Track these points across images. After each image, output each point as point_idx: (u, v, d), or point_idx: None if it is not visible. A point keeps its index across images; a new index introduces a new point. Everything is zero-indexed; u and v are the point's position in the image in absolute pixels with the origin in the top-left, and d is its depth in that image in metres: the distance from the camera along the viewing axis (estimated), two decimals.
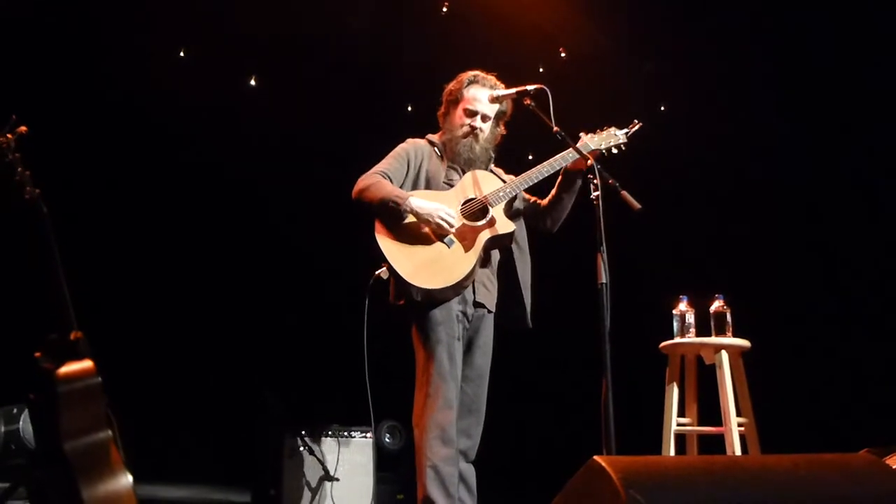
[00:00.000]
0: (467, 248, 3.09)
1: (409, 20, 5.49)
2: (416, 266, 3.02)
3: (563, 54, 5.85)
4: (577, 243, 3.20)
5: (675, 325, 3.76)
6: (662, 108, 5.94)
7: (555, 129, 3.00)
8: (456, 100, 3.25)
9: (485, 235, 3.12)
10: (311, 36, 5.35)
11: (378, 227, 3.08)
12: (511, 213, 3.26)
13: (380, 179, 3.11)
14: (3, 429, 3.83)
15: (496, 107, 3.25)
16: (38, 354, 2.36)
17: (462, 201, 3.15)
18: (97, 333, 2.52)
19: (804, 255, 5.36)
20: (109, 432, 2.33)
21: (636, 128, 3.25)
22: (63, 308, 2.42)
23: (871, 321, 5.07)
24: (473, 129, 3.22)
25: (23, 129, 2.60)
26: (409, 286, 3.00)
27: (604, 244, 2.73)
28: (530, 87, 3.07)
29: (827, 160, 5.28)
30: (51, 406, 2.26)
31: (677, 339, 3.74)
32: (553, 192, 3.31)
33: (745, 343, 3.69)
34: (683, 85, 5.58)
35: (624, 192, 2.82)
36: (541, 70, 5.65)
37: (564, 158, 3.17)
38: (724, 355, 3.62)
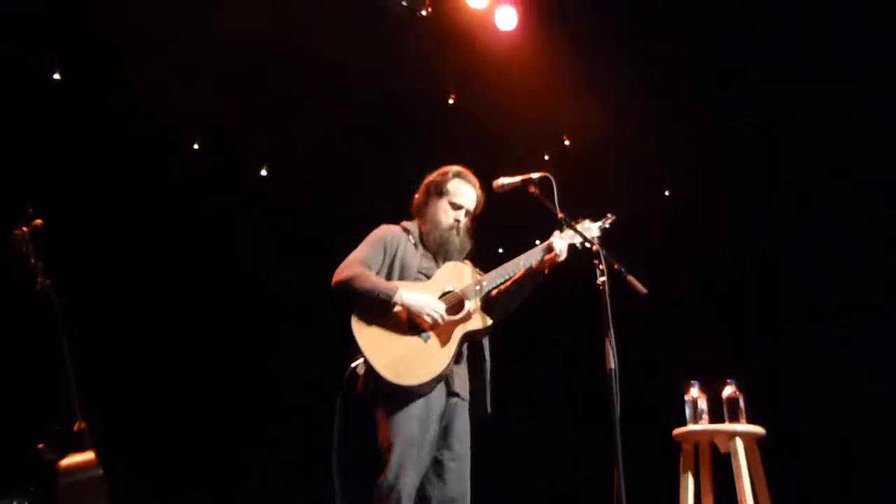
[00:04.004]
0: (443, 343, 3.05)
1: (416, 110, 5.63)
2: (393, 360, 2.96)
3: (566, 142, 5.97)
4: (584, 329, 3.17)
5: (688, 411, 3.71)
6: (667, 193, 6.01)
7: (559, 215, 3.02)
8: (440, 192, 3.25)
9: (461, 330, 3.09)
10: (317, 114, 5.50)
11: (356, 318, 3.01)
12: (486, 307, 3.19)
13: (364, 270, 3.07)
14: None
15: (475, 202, 3.29)
16: (41, 446, 2.33)
17: (439, 294, 3.11)
18: (94, 399, 2.48)
19: (815, 339, 5.31)
20: None
21: (610, 220, 3.24)
22: (68, 398, 2.41)
23: (886, 405, 4.99)
24: (458, 222, 3.24)
25: (38, 222, 2.65)
26: (383, 381, 2.93)
27: (612, 329, 2.71)
28: (535, 176, 3.08)
29: (827, 237, 5.31)
30: (52, 499, 2.22)
31: (690, 426, 3.67)
32: (509, 282, 3.22)
33: (760, 430, 3.62)
34: (689, 169, 5.66)
35: (630, 277, 2.81)
36: (546, 157, 5.75)
37: (538, 253, 3.15)
38: (739, 443, 3.55)
